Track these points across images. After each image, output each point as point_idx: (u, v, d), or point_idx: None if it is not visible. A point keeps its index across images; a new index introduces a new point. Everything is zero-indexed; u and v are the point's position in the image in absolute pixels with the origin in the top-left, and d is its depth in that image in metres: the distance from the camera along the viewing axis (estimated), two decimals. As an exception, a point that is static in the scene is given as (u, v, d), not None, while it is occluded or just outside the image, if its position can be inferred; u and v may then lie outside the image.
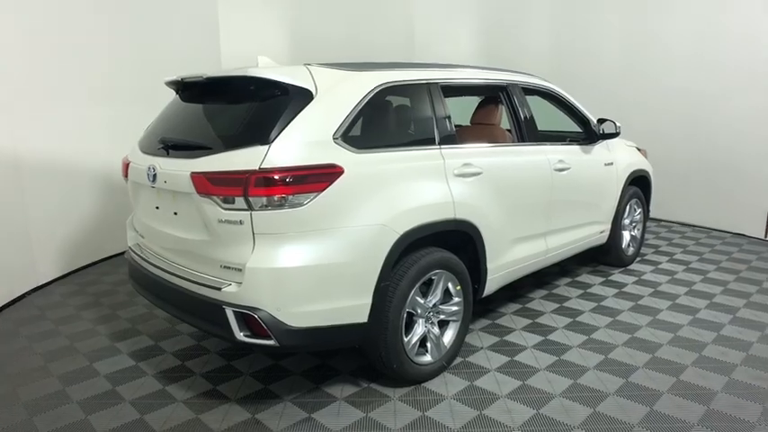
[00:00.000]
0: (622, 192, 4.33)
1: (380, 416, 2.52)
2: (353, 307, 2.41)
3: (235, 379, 2.86)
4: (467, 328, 3.03)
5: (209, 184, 2.26)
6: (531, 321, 3.56)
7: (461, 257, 2.97)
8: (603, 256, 4.58)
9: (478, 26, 7.22)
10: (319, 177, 2.28)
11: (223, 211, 2.25)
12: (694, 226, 6.08)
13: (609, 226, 4.32)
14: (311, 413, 2.55)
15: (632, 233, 4.69)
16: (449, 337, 2.92)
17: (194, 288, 2.43)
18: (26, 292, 4.10)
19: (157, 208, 2.68)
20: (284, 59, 6.29)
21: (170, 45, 5.38)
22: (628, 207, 4.55)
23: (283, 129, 2.28)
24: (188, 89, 2.86)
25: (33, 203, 4.12)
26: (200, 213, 2.34)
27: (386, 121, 2.85)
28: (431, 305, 2.80)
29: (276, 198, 2.20)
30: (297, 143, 2.29)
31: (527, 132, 3.48)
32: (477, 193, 2.94)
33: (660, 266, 4.67)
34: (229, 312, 2.28)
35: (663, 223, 6.26)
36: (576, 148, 3.90)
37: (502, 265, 3.22)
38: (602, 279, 4.37)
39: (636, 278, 4.38)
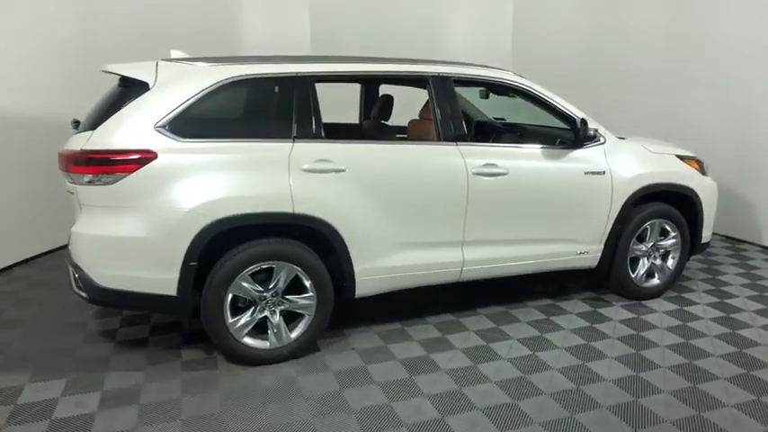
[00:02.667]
0: (623, 208, 3.52)
1: (191, 381, 2.77)
2: (158, 280, 2.69)
3: (142, 324, 3.40)
4: (322, 324, 3.00)
5: (61, 161, 2.78)
6: (440, 335, 3.28)
7: (330, 255, 2.95)
8: (605, 282, 3.82)
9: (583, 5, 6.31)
10: (130, 161, 2.60)
11: (67, 183, 2.75)
12: (827, 267, 4.48)
13: (599, 247, 3.57)
14: (149, 365, 2.94)
15: (656, 261, 3.77)
16: (298, 329, 2.96)
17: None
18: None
19: None
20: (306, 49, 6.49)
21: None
22: (649, 228, 3.68)
23: (110, 116, 2.65)
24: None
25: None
26: None
27: (228, 113, 2.97)
28: (269, 294, 2.87)
29: (90, 176, 2.60)
30: (117, 129, 2.65)
31: (445, 130, 3.14)
32: (336, 191, 2.87)
33: (687, 308, 3.67)
34: (70, 268, 2.79)
35: (781, 257, 4.75)
36: (533, 152, 3.35)
37: (382, 268, 3.06)
38: (587, 309, 3.66)
39: (633, 316, 3.56)
